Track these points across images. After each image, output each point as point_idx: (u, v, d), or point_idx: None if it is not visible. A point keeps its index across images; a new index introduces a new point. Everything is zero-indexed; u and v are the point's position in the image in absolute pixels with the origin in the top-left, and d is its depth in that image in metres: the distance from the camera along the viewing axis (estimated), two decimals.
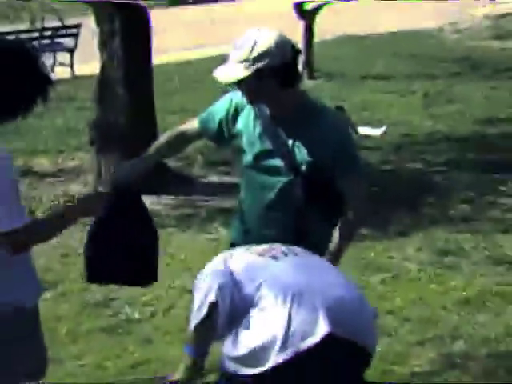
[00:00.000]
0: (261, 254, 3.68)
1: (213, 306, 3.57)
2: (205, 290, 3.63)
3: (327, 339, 3.39)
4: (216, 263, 3.74)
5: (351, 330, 3.49)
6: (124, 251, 3.82)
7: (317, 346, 3.39)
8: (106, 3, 8.40)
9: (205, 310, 3.60)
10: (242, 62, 3.79)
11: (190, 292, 3.84)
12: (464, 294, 6.13)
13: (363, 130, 10.07)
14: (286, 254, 3.68)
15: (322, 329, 3.40)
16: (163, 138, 4.35)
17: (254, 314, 3.49)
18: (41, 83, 3.40)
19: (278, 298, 3.46)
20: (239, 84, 3.87)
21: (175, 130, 4.32)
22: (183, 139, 4.34)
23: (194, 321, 3.68)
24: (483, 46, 15.36)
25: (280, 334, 3.40)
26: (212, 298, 3.56)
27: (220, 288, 3.57)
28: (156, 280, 3.96)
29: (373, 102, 11.70)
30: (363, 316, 3.61)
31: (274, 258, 3.65)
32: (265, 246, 3.76)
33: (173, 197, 8.29)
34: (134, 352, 5.28)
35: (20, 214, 3.29)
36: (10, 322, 3.36)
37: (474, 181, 8.66)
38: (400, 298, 6.09)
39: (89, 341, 5.47)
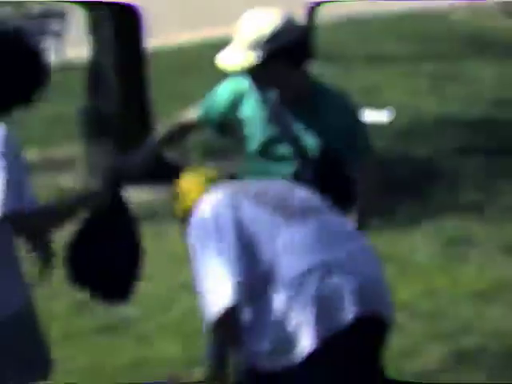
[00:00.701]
0: (274, 211, 3.44)
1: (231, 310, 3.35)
2: (218, 280, 3.35)
3: (355, 322, 3.32)
4: (224, 220, 3.42)
5: (378, 309, 3.44)
6: (105, 262, 3.75)
7: (345, 331, 3.32)
8: None
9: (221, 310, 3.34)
10: (250, 46, 3.75)
11: (189, 289, 3.78)
12: (475, 286, 6.15)
13: (368, 115, 10.05)
14: (304, 214, 3.46)
15: (350, 312, 3.33)
16: (164, 130, 4.36)
17: (274, 298, 3.33)
18: (39, 76, 3.47)
19: (299, 276, 3.32)
20: (246, 69, 3.83)
21: (176, 122, 4.32)
22: (184, 131, 4.34)
23: (211, 319, 3.39)
24: (492, 25, 15.35)
25: (306, 321, 3.30)
26: (227, 302, 3.31)
27: (236, 286, 3.32)
28: (126, 301, 3.85)
29: (377, 85, 11.71)
30: (386, 291, 3.55)
31: (291, 218, 3.43)
32: (277, 196, 3.53)
33: (169, 188, 8.29)
34: (130, 351, 5.31)
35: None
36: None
37: (484, 167, 8.66)
38: (408, 292, 6.08)
39: (83, 340, 5.50)
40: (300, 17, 13.22)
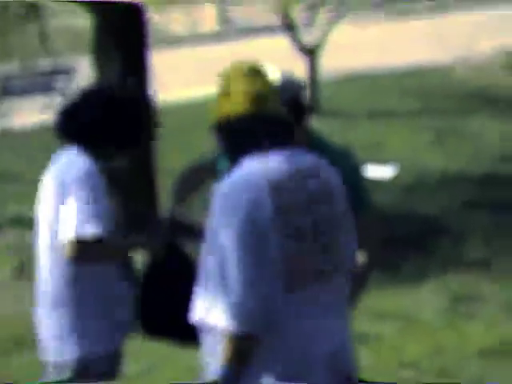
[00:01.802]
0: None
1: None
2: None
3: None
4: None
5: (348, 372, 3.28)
6: (175, 308, 3.76)
7: None
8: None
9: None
10: None
11: None
12: (483, 343, 6.07)
13: (372, 171, 10.06)
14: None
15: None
16: (178, 183, 4.34)
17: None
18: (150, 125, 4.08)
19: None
20: None
21: (186, 173, 4.35)
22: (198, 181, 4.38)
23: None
24: (495, 81, 15.43)
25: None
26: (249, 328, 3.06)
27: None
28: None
29: (381, 140, 11.71)
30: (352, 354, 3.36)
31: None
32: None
33: None
34: None
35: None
36: None
37: (490, 222, 8.62)
38: (415, 349, 6.04)
39: None
40: (301, 73, 13.39)
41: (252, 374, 3.13)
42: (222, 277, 3.07)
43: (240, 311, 3.04)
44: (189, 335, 3.56)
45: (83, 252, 3.69)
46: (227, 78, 3.26)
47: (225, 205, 3.09)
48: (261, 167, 3.15)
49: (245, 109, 3.21)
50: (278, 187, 3.11)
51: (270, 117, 3.25)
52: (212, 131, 3.30)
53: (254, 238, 3.05)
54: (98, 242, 3.67)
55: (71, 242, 3.66)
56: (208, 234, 3.14)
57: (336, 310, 3.27)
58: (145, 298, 3.91)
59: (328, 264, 3.22)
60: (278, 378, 3.12)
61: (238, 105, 3.21)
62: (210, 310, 3.11)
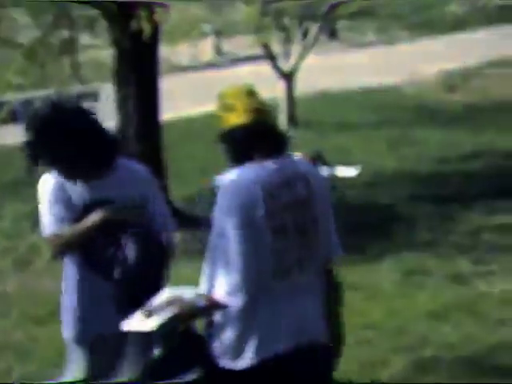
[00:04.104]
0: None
1: None
2: None
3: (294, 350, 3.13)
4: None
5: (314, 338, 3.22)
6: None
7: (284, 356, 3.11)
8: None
9: None
10: None
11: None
12: (430, 307, 6.10)
13: (340, 171, 10.06)
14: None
15: (290, 341, 3.12)
16: None
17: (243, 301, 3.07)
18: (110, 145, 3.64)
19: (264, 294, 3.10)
20: None
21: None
22: None
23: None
24: (435, 98, 15.43)
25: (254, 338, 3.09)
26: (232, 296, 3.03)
27: None
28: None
29: (346, 147, 11.69)
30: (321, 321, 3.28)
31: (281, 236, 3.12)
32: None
33: (180, 233, 8.20)
34: None
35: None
36: None
37: (433, 211, 8.61)
38: (376, 313, 6.06)
39: None
40: (281, 93, 13.38)
41: (236, 343, 3.09)
42: (226, 262, 3.04)
43: (238, 287, 3.02)
44: None
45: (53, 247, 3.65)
46: (230, 97, 3.20)
47: (225, 204, 3.06)
48: (256, 173, 3.10)
49: (249, 121, 3.15)
50: (270, 191, 3.08)
51: (268, 127, 3.21)
52: (218, 141, 3.23)
53: (249, 232, 3.03)
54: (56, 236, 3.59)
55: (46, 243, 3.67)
56: (213, 227, 3.09)
57: (310, 290, 3.21)
58: None
59: (307, 257, 3.17)
60: (259, 345, 3.08)
61: (242, 118, 3.15)
62: (215, 287, 3.08)
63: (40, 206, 3.65)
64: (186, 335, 3.21)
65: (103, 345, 3.63)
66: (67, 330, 3.73)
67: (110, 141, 3.66)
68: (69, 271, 3.69)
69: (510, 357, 5.24)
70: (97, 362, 3.66)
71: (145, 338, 3.34)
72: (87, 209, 3.57)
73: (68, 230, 3.57)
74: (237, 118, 3.15)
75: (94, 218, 3.52)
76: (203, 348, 3.16)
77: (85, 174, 3.57)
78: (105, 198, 3.57)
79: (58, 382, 3.88)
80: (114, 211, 3.53)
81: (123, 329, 3.17)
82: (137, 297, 3.29)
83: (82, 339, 3.68)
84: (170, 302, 3.13)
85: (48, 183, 3.61)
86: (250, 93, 3.21)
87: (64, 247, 3.63)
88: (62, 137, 3.48)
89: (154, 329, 3.05)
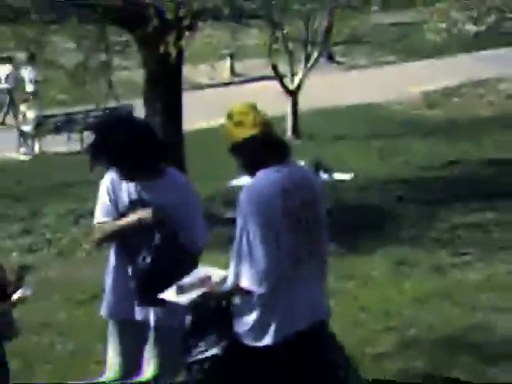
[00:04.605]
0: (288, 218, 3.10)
1: None
2: None
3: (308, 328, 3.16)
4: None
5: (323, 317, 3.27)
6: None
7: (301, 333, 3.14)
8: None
9: None
10: None
11: None
12: (414, 294, 6.08)
13: (338, 176, 10.08)
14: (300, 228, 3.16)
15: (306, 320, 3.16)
16: None
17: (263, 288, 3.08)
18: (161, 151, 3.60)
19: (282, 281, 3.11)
20: None
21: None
22: None
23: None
24: (420, 113, 15.41)
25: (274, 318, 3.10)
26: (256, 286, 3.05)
27: None
28: None
29: (342, 155, 11.68)
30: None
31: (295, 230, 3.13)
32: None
33: None
34: None
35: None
36: None
37: (417, 211, 8.59)
38: (367, 298, 6.05)
39: None
40: (287, 108, 13.37)
41: (259, 324, 3.11)
42: (250, 256, 3.05)
43: (261, 278, 3.04)
44: None
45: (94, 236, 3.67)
46: (237, 114, 3.18)
47: (249, 205, 3.06)
48: (273, 178, 3.11)
49: (257, 133, 3.14)
50: (285, 193, 3.10)
51: (274, 138, 3.21)
52: (230, 152, 3.22)
53: (269, 230, 3.04)
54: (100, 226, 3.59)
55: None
56: (238, 224, 3.10)
57: (317, 278, 3.24)
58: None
59: (315, 249, 3.20)
60: (279, 325, 3.10)
61: (251, 131, 3.14)
62: (240, 276, 3.09)
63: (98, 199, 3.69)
64: (216, 311, 3.22)
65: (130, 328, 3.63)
66: (102, 307, 3.74)
67: (161, 147, 3.64)
68: (110, 258, 3.70)
69: (482, 337, 5.23)
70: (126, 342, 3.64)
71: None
72: (131, 207, 3.56)
73: (111, 223, 3.58)
74: (246, 132, 3.14)
75: (136, 216, 3.51)
76: (230, 324, 3.16)
77: (138, 175, 3.55)
78: (148, 200, 3.54)
79: (92, 382, 3.85)
80: (154, 215, 3.48)
81: (161, 298, 3.19)
82: (154, 290, 3.29)
83: (113, 315, 3.69)
84: (201, 281, 3.16)
85: (106, 180, 3.63)
86: (254, 109, 3.21)
87: (104, 238, 3.64)
88: (122, 141, 3.48)
89: (186, 303, 3.10)
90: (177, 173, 3.72)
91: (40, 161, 13.25)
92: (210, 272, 3.21)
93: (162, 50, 7.36)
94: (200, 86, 18.21)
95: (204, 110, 15.02)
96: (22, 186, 10.94)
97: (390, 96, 16.48)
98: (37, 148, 13.94)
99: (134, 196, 3.57)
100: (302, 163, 9.45)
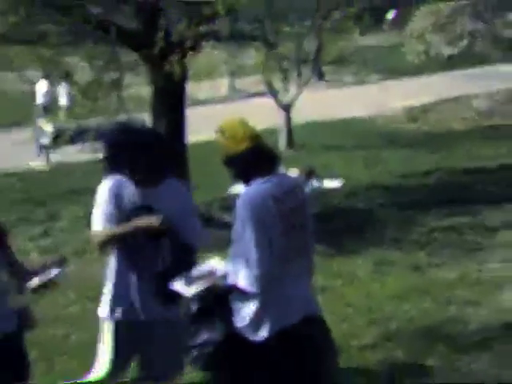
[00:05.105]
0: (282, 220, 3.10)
1: None
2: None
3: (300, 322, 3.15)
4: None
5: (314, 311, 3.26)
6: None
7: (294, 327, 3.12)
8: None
9: None
10: None
11: None
12: (395, 291, 6.08)
13: (327, 183, 10.07)
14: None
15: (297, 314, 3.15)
16: None
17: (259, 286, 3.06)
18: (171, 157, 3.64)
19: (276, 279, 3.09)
20: None
21: None
22: None
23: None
24: (401, 126, 15.41)
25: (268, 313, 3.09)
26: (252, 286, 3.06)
27: None
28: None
29: (331, 164, 11.64)
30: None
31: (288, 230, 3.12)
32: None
33: None
34: None
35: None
36: None
37: (398, 215, 8.57)
38: (352, 295, 6.03)
39: None
40: (281, 121, 13.36)
41: (257, 319, 3.10)
42: (246, 257, 3.04)
43: (255, 279, 3.03)
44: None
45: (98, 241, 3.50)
46: (229, 129, 3.15)
47: (245, 211, 3.05)
48: (266, 186, 3.11)
49: (249, 146, 3.13)
50: (278, 199, 3.10)
51: (265, 150, 3.19)
52: (224, 164, 3.20)
53: (263, 235, 3.04)
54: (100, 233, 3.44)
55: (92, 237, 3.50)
56: (234, 229, 3.10)
57: (305, 275, 3.24)
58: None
59: (303, 249, 3.21)
60: (274, 319, 3.10)
61: (244, 144, 3.12)
62: (237, 277, 3.09)
63: (95, 205, 3.52)
64: (218, 300, 3.20)
65: (127, 329, 3.54)
66: (102, 308, 3.62)
67: (171, 152, 3.62)
68: (110, 262, 3.58)
69: (456, 328, 5.23)
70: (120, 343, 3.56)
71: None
72: (134, 212, 3.46)
73: (115, 229, 3.44)
74: (238, 146, 3.12)
75: (144, 222, 3.42)
76: (230, 312, 3.15)
77: (147, 180, 3.48)
78: (150, 206, 3.48)
79: (80, 381, 3.75)
80: (163, 222, 3.41)
81: (171, 287, 3.19)
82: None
83: (115, 317, 3.57)
84: (208, 274, 3.16)
85: (106, 186, 3.49)
86: (244, 123, 3.18)
87: (107, 243, 3.49)
88: (132, 148, 3.44)
89: (191, 295, 3.12)
90: (174, 180, 3.64)
91: (57, 169, 13.24)
92: (216, 265, 3.22)
93: (167, 68, 7.36)
94: (200, 102, 18.19)
95: (205, 123, 15.02)
96: (41, 192, 10.95)
97: (373, 111, 16.50)
98: (54, 158, 13.95)
99: (139, 201, 3.47)
100: (296, 170, 9.51)
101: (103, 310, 3.62)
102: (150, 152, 3.41)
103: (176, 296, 3.21)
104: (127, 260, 3.50)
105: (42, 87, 15.51)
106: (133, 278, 3.49)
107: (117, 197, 3.45)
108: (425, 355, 4.78)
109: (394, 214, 8.63)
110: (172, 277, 3.27)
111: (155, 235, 3.41)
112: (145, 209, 3.46)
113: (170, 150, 3.65)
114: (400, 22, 24.36)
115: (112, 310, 3.58)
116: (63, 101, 15.63)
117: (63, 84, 15.30)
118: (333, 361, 3.31)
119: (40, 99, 15.54)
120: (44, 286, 3.33)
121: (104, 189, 3.49)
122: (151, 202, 3.49)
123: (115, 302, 3.56)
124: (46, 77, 15.20)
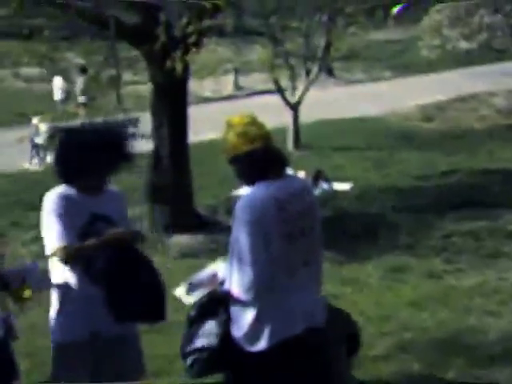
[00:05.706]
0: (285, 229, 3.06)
1: None
2: None
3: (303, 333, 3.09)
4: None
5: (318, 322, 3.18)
6: (137, 292, 3.26)
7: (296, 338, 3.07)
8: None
9: None
10: None
11: None
12: (410, 299, 6.07)
13: (336, 186, 10.05)
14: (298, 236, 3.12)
15: (300, 325, 3.10)
16: None
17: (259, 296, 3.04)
18: (125, 158, 3.48)
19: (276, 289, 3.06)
20: None
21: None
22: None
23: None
24: (415, 125, 15.38)
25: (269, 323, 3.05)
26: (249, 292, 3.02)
27: None
28: (164, 319, 3.35)
29: (341, 165, 11.63)
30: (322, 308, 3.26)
31: (291, 240, 3.08)
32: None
33: (203, 235, 8.20)
34: None
35: None
36: None
37: (412, 219, 8.55)
38: (364, 303, 6.01)
39: None
40: (288, 120, 13.33)
41: (255, 329, 3.05)
42: (240, 262, 3.00)
43: (249, 287, 2.98)
44: (155, 314, 3.28)
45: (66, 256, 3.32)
46: (238, 126, 3.10)
47: (243, 214, 3.01)
48: (269, 189, 3.06)
49: (259, 146, 3.08)
50: (282, 203, 3.05)
51: (274, 151, 3.15)
52: (230, 162, 3.16)
53: (261, 241, 2.99)
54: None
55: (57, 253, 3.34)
56: (232, 234, 3.06)
57: (312, 284, 3.18)
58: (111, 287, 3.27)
59: (309, 257, 3.15)
60: (273, 330, 3.04)
61: (254, 144, 3.08)
62: (232, 284, 3.06)
63: (45, 220, 3.35)
64: (217, 304, 3.17)
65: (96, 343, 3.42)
66: (56, 331, 3.48)
67: (117, 156, 3.46)
68: (67, 279, 3.38)
69: (475, 339, 5.21)
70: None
71: None
72: (91, 221, 3.37)
73: (87, 242, 3.29)
74: (248, 144, 3.08)
75: (113, 235, 3.32)
76: (229, 316, 3.11)
77: (95, 187, 3.43)
78: (102, 213, 3.40)
79: None
80: (127, 234, 3.36)
81: (175, 294, 3.22)
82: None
83: (76, 336, 3.41)
84: (209, 279, 3.18)
85: (54, 198, 3.38)
86: (255, 120, 3.14)
87: (76, 257, 3.31)
88: (78, 152, 3.38)
89: (192, 303, 3.14)
90: (110, 185, 3.59)
91: (51, 171, 13.22)
92: (218, 268, 3.23)
93: (168, 65, 7.36)
94: (205, 100, 18.19)
95: (209, 122, 15.04)
96: (33, 195, 10.91)
97: (385, 109, 16.46)
98: (48, 159, 13.93)
99: (91, 210, 3.39)
100: (303, 173, 9.48)
101: (58, 333, 3.52)
102: (98, 154, 3.35)
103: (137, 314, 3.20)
104: (85, 275, 3.35)
105: (57, 83, 16.00)
106: (90, 292, 3.34)
107: (71, 207, 3.36)
108: (441, 368, 4.75)
109: (408, 218, 8.61)
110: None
111: (120, 247, 3.32)
112: (98, 217, 3.39)
113: (124, 153, 3.50)
114: (404, 18, 24.33)
115: (73, 331, 3.45)
116: (81, 99, 15.77)
117: (79, 80, 15.43)
118: (343, 373, 3.27)
119: (58, 95, 16.11)
120: (17, 292, 3.27)
121: (53, 201, 3.37)
122: (101, 209, 3.42)
123: (77, 320, 3.44)
124: (60, 73, 15.45)
